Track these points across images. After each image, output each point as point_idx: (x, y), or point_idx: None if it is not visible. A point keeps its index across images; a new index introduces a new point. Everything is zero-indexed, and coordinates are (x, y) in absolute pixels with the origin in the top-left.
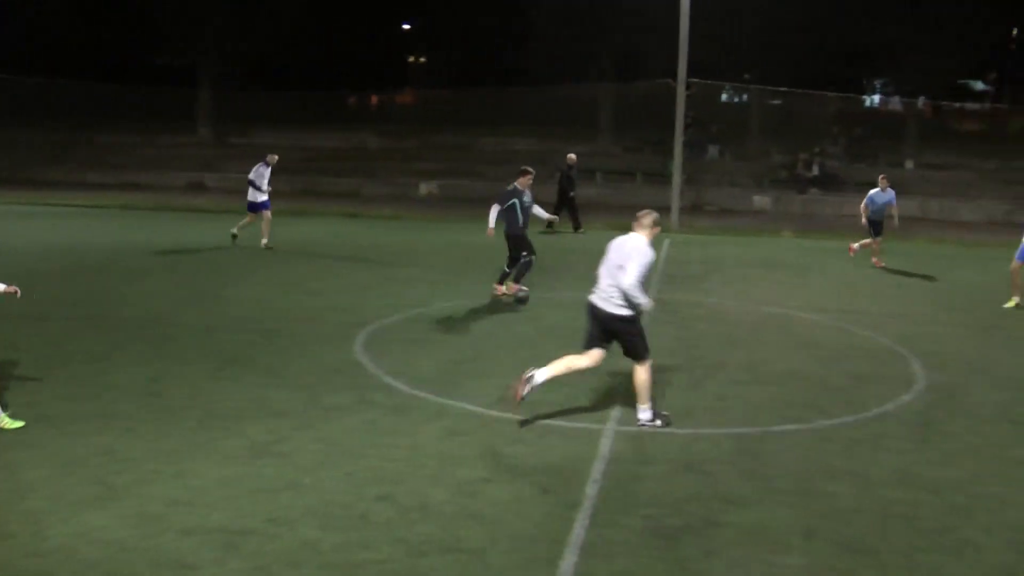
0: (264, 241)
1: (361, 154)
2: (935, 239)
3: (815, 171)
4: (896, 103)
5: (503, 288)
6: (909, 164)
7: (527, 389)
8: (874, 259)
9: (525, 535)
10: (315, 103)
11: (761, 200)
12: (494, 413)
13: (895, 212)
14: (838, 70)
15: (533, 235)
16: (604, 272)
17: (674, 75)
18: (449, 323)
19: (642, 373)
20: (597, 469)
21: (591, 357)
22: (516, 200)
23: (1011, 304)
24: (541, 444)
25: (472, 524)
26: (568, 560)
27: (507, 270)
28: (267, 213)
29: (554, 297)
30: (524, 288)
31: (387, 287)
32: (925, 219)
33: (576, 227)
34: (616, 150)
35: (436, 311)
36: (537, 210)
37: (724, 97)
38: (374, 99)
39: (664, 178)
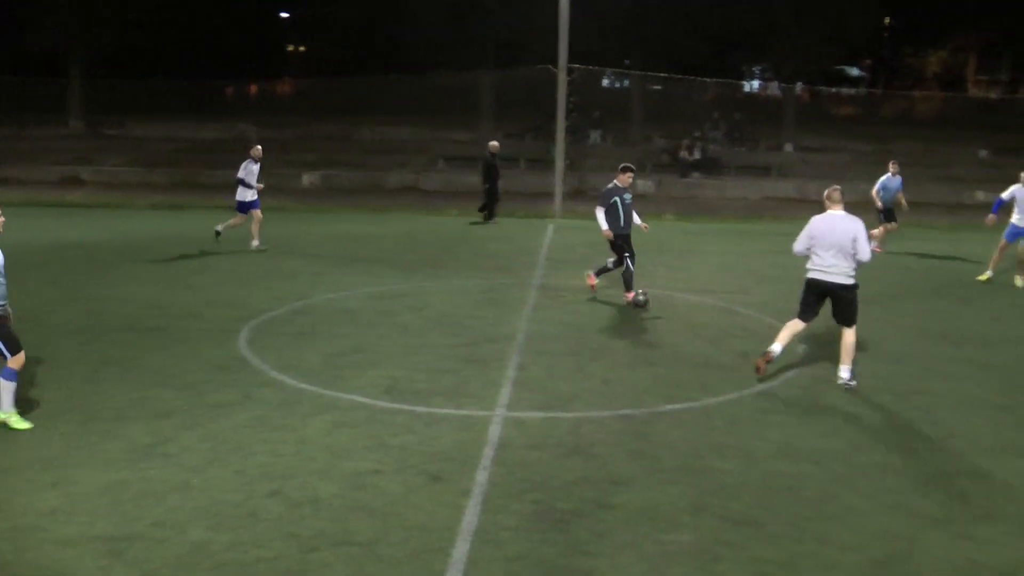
0: (255, 243)
1: (240, 145)
2: None
3: (696, 155)
4: (774, 88)
5: (631, 295)
6: (788, 147)
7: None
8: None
9: (416, 525)
10: (192, 93)
11: (644, 184)
12: (382, 404)
13: (902, 198)
14: (717, 56)
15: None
16: (828, 252)
17: (555, 61)
18: (334, 315)
19: (852, 336)
20: (487, 455)
21: (806, 325)
22: (617, 199)
23: (984, 277)
24: (430, 433)
25: (363, 516)
26: (460, 548)
27: (608, 267)
28: (257, 213)
29: (439, 286)
30: (643, 293)
31: (270, 280)
32: (804, 200)
33: (488, 216)
34: (498, 136)
35: (321, 303)
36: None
37: (605, 83)
38: (253, 88)
39: (547, 164)
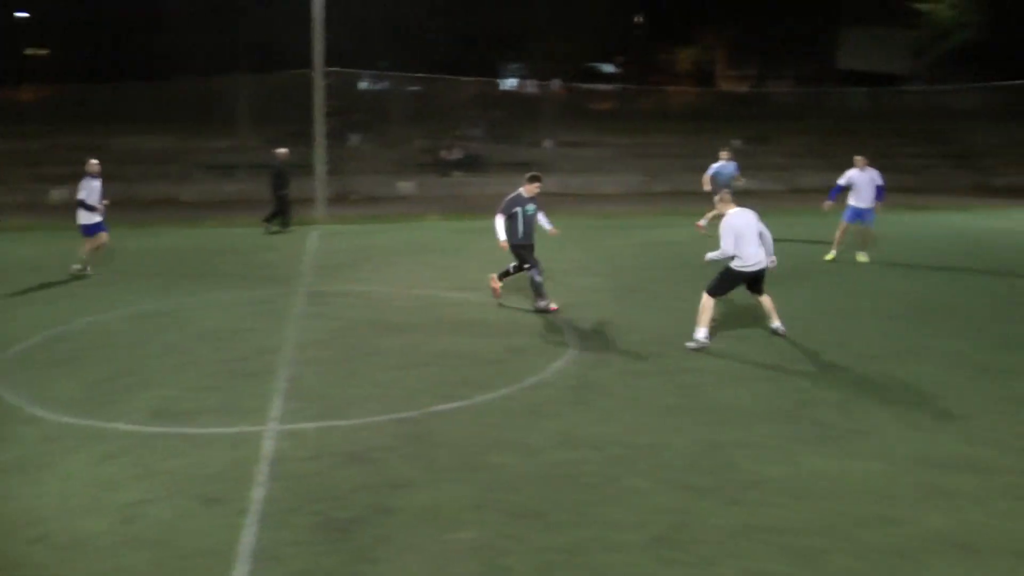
0: (76, 267)
1: None
2: (576, 212)
3: (457, 154)
4: (531, 86)
5: (498, 285)
6: (548, 143)
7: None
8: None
9: (194, 551)
10: None
11: (406, 186)
12: (149, 429)
13: (740, 179)
14: (474, 55)
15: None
16: (754, 241)
17: (311, 64)
18: (96, 339)
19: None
20: (262, 471)
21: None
22: (519, 209)
23: (830, 256)
24: (201, 454)
25: (137, 550)
26: (240, 570)
27: (509, 270)
28: (104, 235)
29: (204, 300)
30: (544, 300)
31: (23, 307)
32: (566, 194)
33: (284, 223)
34: (257, 143)
35: (80, 327)
36: (541, 219)
37: (364, 85)
38: None
39: (308, 169)
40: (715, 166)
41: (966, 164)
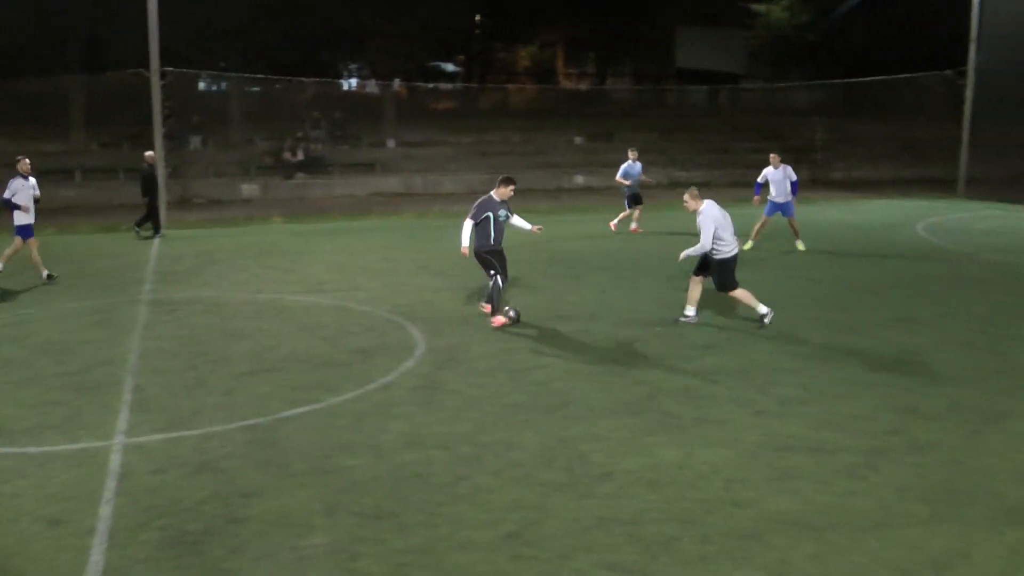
0: (45, 273)
1: None
2: (420, 212)
3: (300, 156)
4: (372, 86)
5: (498, 317)
6: (390, 143)
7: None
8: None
9: None
10: None
11: (249, 188)
12: None
13: (645, 179)
14: (314, 55)
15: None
16: (730, 230)
17: (147, 64)
18: None
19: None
20: (108, 488)
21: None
22: (490, 214)
23: (747, 246)
24: (44, 473)
25: None
26: None
27: (498, 286)
28: (32, 240)
29: (42, 311)
30: (512, 309)
31: None
32: (410, 194)
33: (138, 225)
34: (93, 147)
35: None
36: (517, 221)
37: (202, 86)
38: None
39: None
40: (624, 166)
41: (804, 159)
